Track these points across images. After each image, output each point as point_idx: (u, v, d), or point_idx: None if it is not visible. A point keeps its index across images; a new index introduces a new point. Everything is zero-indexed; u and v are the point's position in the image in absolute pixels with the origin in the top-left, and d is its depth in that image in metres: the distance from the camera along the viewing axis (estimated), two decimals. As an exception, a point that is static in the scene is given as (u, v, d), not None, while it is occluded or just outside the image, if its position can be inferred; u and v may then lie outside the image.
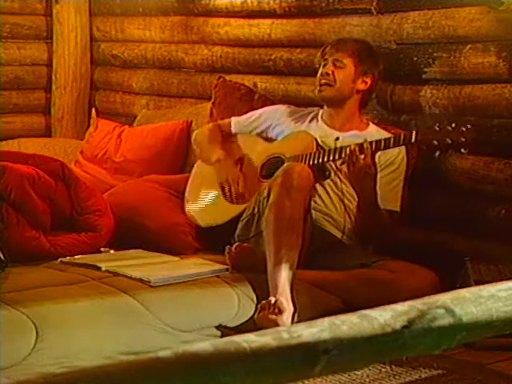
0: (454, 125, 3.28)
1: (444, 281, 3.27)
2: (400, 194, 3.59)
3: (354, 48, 3.68)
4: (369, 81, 3.68)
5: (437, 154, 3.33)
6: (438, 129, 3.31)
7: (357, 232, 3.58)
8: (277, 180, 3.31)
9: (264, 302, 3.08)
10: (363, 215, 3.51)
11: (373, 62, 3.70)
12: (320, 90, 3.70)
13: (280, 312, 3.03)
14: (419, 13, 3.79)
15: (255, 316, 3.10)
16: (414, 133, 3.37)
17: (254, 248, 3.38)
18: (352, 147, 3.40)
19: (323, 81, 3.68)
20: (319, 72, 3.72)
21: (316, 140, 3.64)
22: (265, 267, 3.19)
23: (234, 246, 3.37)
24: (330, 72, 3.66)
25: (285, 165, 3.43)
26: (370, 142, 3.41)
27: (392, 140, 3.41)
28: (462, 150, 3.29)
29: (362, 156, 3.36)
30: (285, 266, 3.13)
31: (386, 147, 3.42)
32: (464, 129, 3.27)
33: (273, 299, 3.06)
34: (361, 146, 3.39)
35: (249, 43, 4.58)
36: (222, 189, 3.76)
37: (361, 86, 3.68)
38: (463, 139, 3.26)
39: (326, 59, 3.71)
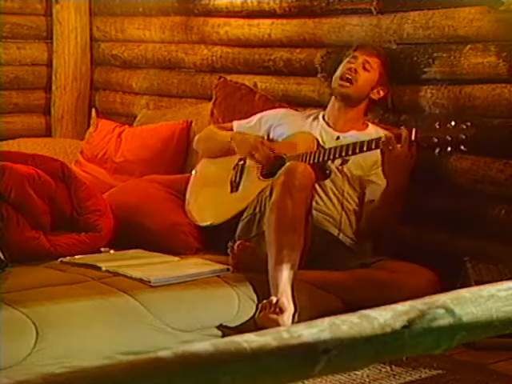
0: (453, 122, 3.29)
1: (444, 281, 3.27)
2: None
3: (385, 58, 3.74)
4: (382, 93, 3.73)
5: (437, 151, 3.32)
6: (438, 126, 3.31)
7: (372, 225, 3.55)
8: (279, 179, 3.32)
9: (265, 301, 3.08)
10: (388, 205, 3.46)
11: (392, 76, 3.76)
12: (341, 85, 3.69)
13: (281, 312, 3.03)
14: (419, 13, 3.79)
15: (256, 315, 3.10)
16: (413, 130, 3.37)
17: (255, 246, 3.38)
18: (373, 141, 3.41)
19: (347, 76, 3.68)
20: (344, 66, 3.72)
21: (317, 140, 3.65)
22: (266, 267, 3.20)
23: (237, 243, 3.38)
24: (358, 70, 3.67)
25: (287, 164, 3.43)
26: (369, 141, 3.43)
27: (393, 138, 3.40)
28: (462, 148, 3.29)
29: (399, 145, 3.34)
30: (286, 266, 3.13)
31: (385, 146, 3.41)
32: (464, 126, 3.27)
33: (274, 299, 3.06)
34: (389, 138, 3.39)
35: (249, 43, 4.58)
36: (251, 157, 3.74)
37: (374, 95, 3.71)
38: (463, 136, 3.26)
39: (355, 57, 3.72)
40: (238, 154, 3.82)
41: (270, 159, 3.70)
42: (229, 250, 3.38)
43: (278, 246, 3.18)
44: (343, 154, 3.48)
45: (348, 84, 3.68)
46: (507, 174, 3.50)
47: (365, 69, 3.70)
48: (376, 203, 3.52)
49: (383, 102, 3.83)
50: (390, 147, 3.34)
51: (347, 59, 3.74)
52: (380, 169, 3.48)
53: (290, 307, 3.07)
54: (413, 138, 3.34)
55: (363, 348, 1.26)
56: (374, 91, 3.72)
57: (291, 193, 3.24)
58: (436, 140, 3.29)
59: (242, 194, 3.73)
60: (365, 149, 3.43)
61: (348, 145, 3.48)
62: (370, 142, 3.43)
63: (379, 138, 3.41)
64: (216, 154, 3.93)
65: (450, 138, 3.27)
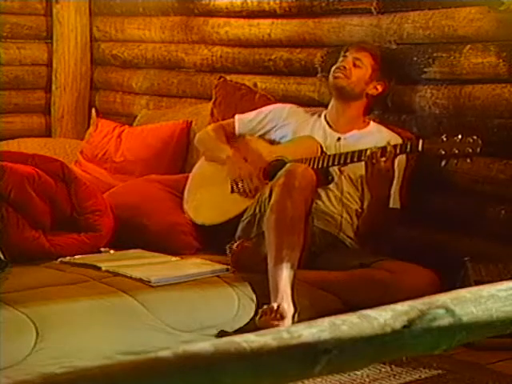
0: (460, 136, 3.29)
1: (444, 281, 3.27)
2: (398, 192, 3.59)
3: (376, 52, 3.75)
4: (380, 88, 3.72)
5: (443, 163, 3.34)
6: (444, 139, 3.32)
7: (364, 232, 3.58)
8: (279, 180, 3.31)
9: (266, 307, 3.06)
10: (373, 215, 3.51)
11: (389, 71, 3.74)
12: (335, 77, 3.71)
13: (282, 318, 3.01)
14: (419, 13, 3.79)
15: (256, 320, 3.09)
16: (420, 141, 3.37)
17: (255, 246, 3.38)
18: (367, 151, 3.41)
19: (339, 74, 3.69)
20: (335, 65, 3.74)
21: (321, 145, 3.65)
22: (266, 267, 3.20)
23: (236, 243, 3.38)
24: (348, 67, 3.69)
25: (287, 165, 3.43)
26: (365, 150, 3.43)
27: (398, 148, 3.40)
28: (468, 160, 3.32)
29: (383, 159, 3.35)
30: (286, 266, 3.13)
31: (390, 155, 3.39)
32: (471, 140, 3.28)
33: (275, 305, 3.04)
34: (363, 151, 3.40)
35: (249, 43, 4.58)
36: (236, 184, 3.75)
37: (371, 91, 3.71)
38: (470, 150, 3.27)
39: (345, 56, 3.73)
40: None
41: (249, 195, 3.70)
42: (228, 251, 3.39)
43: (278, 246, 3.18)
44: (348, 160, 3.49)
45: (341, 75, 3.69)
46: (507, 174, 3.50)
47: (355, 65, 3.71)
48: (365, 211, 3.56)
49: (382, 101, 3.83)
50: (384, 157, 3.36)
51: (339, 59, 3.76)
52: None
53: (290, 311, 3.06)
54: (419, 148, 3.36)
55: (363, 348, 1.26)
56: (370, 87, 3.71)
57: (291, 194, 3.24)
58: (443, 152, 3.30)
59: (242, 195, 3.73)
60: (370, 156, 3.43)
61: (353, 152, 3.47)
62: (375, 150, 3.41)
63: (385, 147, 3.39)
64: (214, 161, 3.94)
65: (456, 151, 3.28)
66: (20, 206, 3.45)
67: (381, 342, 1.28)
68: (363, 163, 3.45)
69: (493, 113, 3.56)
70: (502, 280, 1.54)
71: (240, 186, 3.74)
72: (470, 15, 3.61)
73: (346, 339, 1.23)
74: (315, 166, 3.51)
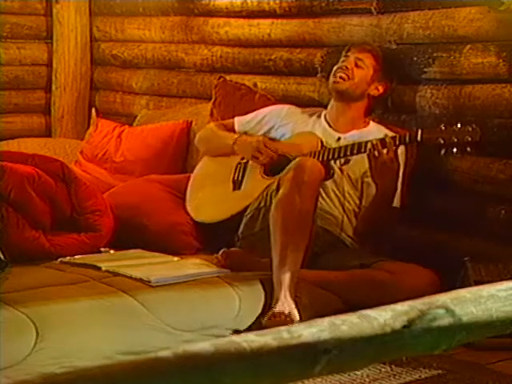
0: (459, 125, 3.30)
1: (444, 281, 3.27)
2: (399, 190, 3.59)
3: (377, 53, 3.74)
4: (381, 89, 3.71)
5: (442, 152, 3.34)
6: (443, 128, 3.32)
7: (363, 230, 3.57)
8: (288, 174, 3.29)
9: (277, 310, 3.06)
10: (375, 212, 3.50)
11: (390, 72, 3.75)
12: (336, 82, 3.70)
13: (292, 322, 3.01)
14: (419, 13, 3.80)
15: (264, 320, 3.08)
16: (419, 131, 3.38)
17: (245, 249, 3.38)
18: (365, 143, 3.41)
19: (341, 74, 3.69)
20: (337, 65, 3.73)
21: (321, 141, 3.65)
22: (259, 265, 3.19)
23: (220, 252, 3.37)
24: (350, 67, 3.68)
25: (297, 159, 3.40)
26: (361, 143, 3.43)
27: (397, 138, 3.41)
28: (468, 149, 3.31)
29: (385, 150, 3.35)
30: (290, 265, 3.12)
31: (390, 146, 3.40)
32: (470, 128, 3.28)
33: (287, 310, 3.04)
34: (394, 138, 3.40)
35: (249, 43, 4.58)
36: (254, 159, 3.72)
37: (373, 92, 3.70)
38: (469, 138, 3.27)
39: (347, 56, 3.73)
40: (241, 156, 3.82)
41: (273, 160, 3.70)
42: (215, 262, 3.38)
43: (283, 245, 3.16)
44: (348, 153, 3.49)
45: (342, 80, 3.69)
46: (507, 174, 3.50)
47: (357, 66, 3.71)
48: (368, 207, 3.54)
49: (383, 101, 3.83)
50: (385, 149, 3.36)
51: (341, 59, 3.76)
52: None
53: (297, 315, 3.06)
54: (418, 138, 3.36)
55: (363, 348, 1.26)
56: (371, 87, 3.71)
57: (300, 188, 3.22)
58: (442, 141, 3.30)
59: (244, 193, 3.73)
60: (372, 148, 3.43)
61: (353, 144, 3.48)
62: (375, 142, 3.41)
63: (384, 139, 3.39)
64: (218, 154, 3.93)
65: (455, 140, 3.28)
66: (20, 206, 3.45)
67: (381, 341, 1.27)
68: (366, 162, 3.46)
69: (493, 113, 3.56)
70: (501, 280, 1.53)
71: (260, 159, 3.71)
72: (470, 15, 3.61)
73: (346, 339, 1.23)
74: (318, 160, 3.51)
